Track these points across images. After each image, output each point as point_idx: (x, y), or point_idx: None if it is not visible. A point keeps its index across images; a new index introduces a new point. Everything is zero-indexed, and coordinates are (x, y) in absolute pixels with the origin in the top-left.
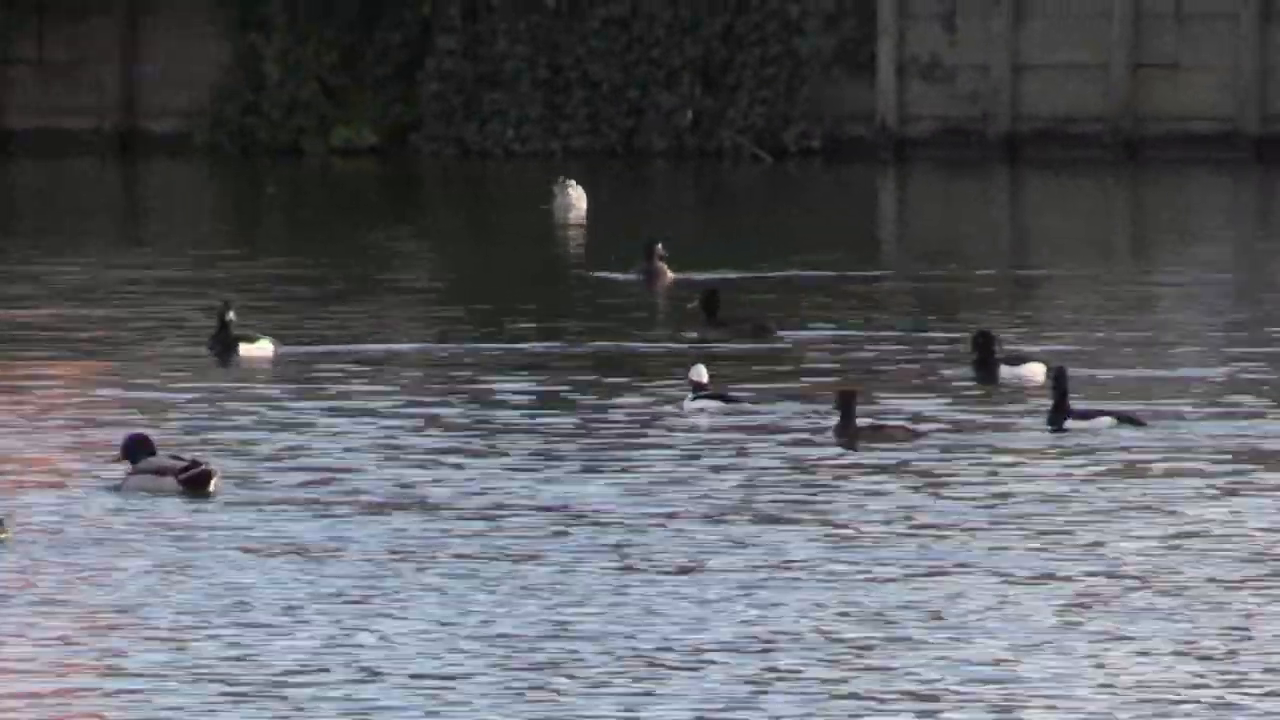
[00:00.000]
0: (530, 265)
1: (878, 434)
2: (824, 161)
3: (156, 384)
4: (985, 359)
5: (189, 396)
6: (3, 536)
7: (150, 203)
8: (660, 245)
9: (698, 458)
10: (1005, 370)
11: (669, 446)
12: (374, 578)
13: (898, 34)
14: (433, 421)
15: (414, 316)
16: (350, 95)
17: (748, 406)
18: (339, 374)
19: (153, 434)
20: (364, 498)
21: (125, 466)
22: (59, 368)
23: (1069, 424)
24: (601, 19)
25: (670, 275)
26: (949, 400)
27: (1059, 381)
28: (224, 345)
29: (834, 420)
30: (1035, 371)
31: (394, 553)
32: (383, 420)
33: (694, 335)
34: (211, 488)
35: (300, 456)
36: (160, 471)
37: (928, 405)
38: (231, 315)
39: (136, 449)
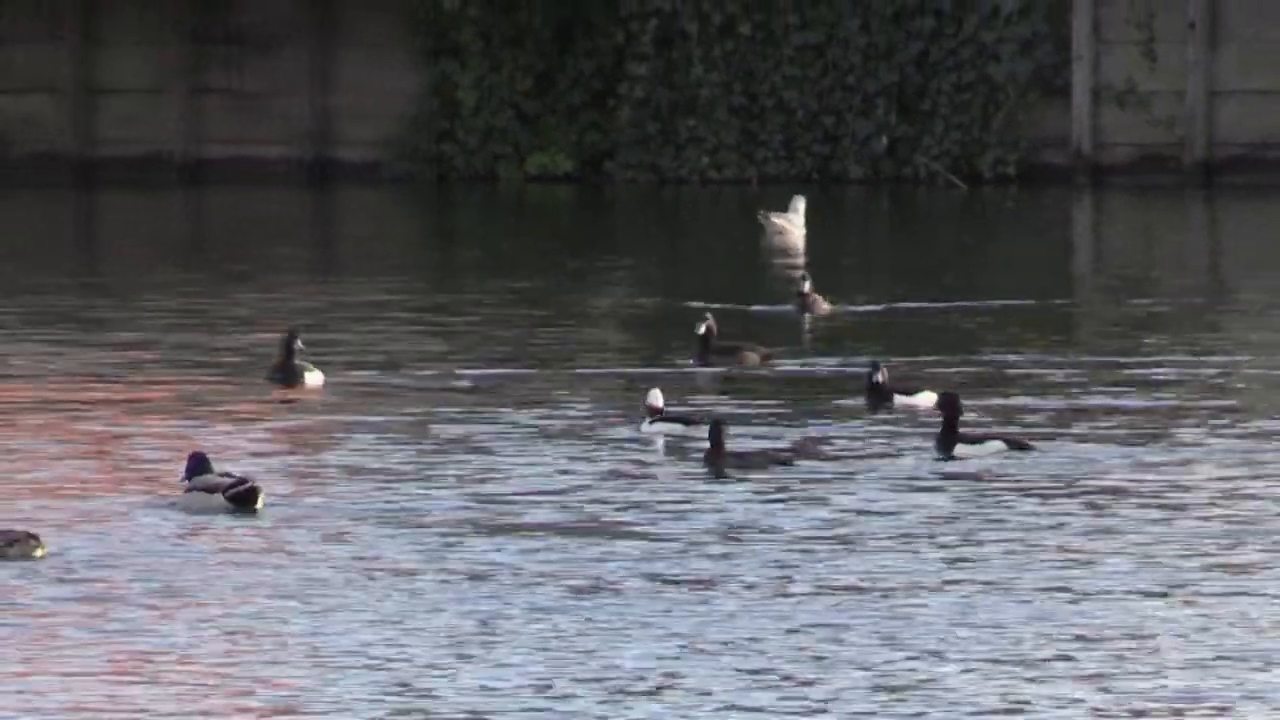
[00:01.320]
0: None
1: (744, 461)
2: (1019, 188)
3: (342, 407)
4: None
5: (379, 419)
6: (38, 553)
7: (344, 231)
8: (808, 281)
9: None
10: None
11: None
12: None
13: (1093, 60)
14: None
15: (613, 341)
16: (545, 122)
17: (704, 430)
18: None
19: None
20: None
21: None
22: (235, 390)
23: (959, 449)
24: (797, 45)
25: (826, 305)
26: (852, 428)
27: (949, 407)
28: (287, 374)
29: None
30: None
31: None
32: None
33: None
34: (259, 504)
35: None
36: (210, 489)
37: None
38: (299, 344)
39: (196, 467)
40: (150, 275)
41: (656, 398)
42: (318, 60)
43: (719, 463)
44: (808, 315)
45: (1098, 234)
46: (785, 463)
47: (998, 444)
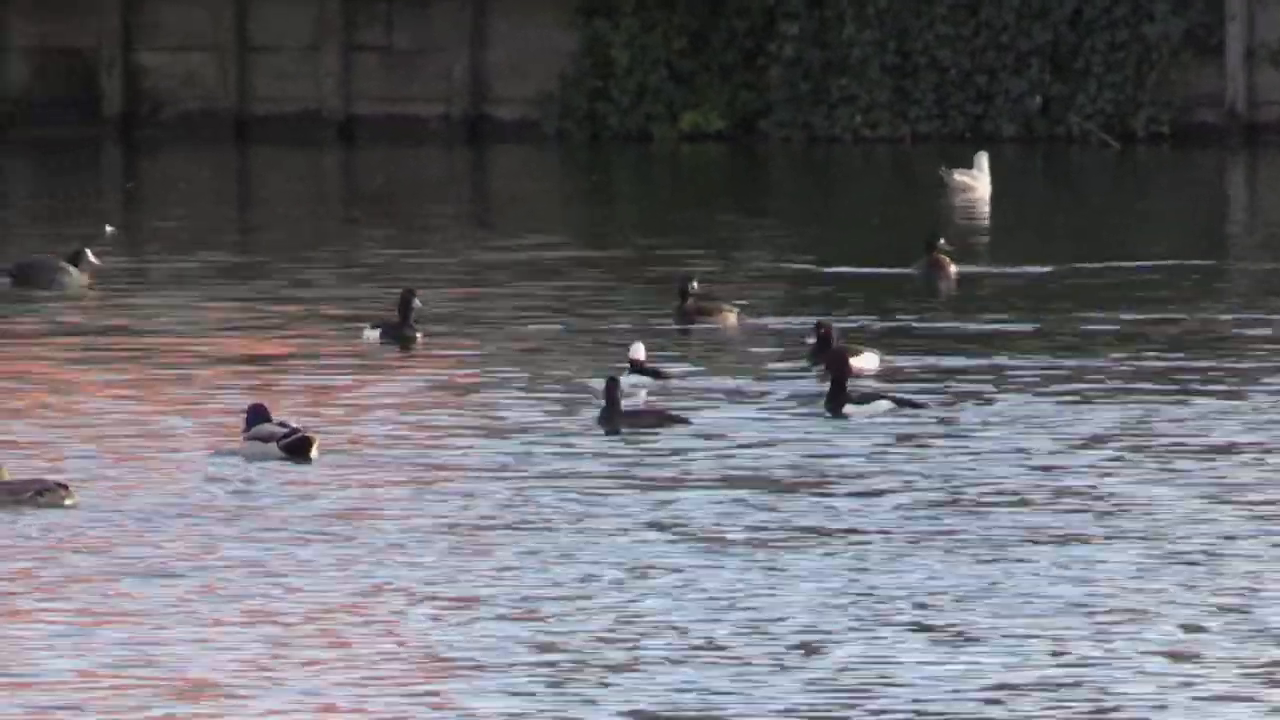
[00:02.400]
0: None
1: (638, 419)
2: (1172, 147)
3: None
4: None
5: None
6: (68, 502)
7: (497, 189)
8: (942, 240)
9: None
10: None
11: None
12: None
13: (1247, 18)
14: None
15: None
16: (698, 81)
17: (676, 383)
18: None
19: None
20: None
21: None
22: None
23: (848, 409)
24: (950, 4)
25: (953, 268)
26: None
27: (839, 368)
28: (399, 334)
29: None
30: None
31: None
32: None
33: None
34: (313, 454)
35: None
36: (266, 438)
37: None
38: (419, 303)
39: (254, 417)
40: (305, 231)
41: (639, 350)
42: (472, 17)
43: (614, 420)
44: (939, 280)
45: (1252, 192)
46: (680, 420)
47: (885, 403)
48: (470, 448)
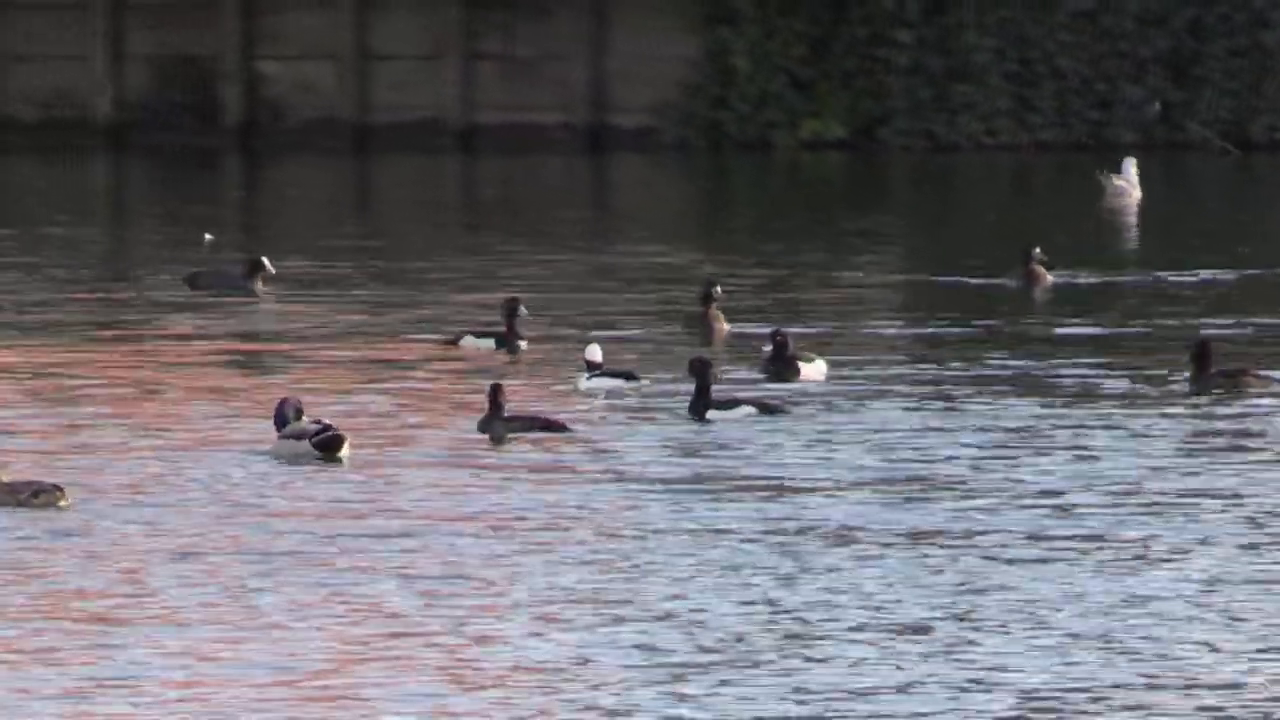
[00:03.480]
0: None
1: (529, 424)
2: None
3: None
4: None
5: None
6: (62, 504)
7: (618, 197)
8: (1038, 249)
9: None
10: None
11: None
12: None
13: None
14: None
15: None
16: (818, 89)
17: (643, 385)
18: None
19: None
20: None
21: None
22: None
23: (711, 414)
24: (1070, 12)
25: (1049, 278)
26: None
27: (701, 374)
28: (505, 342)
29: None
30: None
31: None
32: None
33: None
34: (344, 452)
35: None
36: (299, 436)
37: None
38: (523, 310)
39: (283, 413)
40: (425, 239)
41: (595, 353)
42: (593, 25)
43: (495, 425)
44: (1033, 289)
45: None
46: (561, 427)
47: (748, 408)
48: (568, 452)
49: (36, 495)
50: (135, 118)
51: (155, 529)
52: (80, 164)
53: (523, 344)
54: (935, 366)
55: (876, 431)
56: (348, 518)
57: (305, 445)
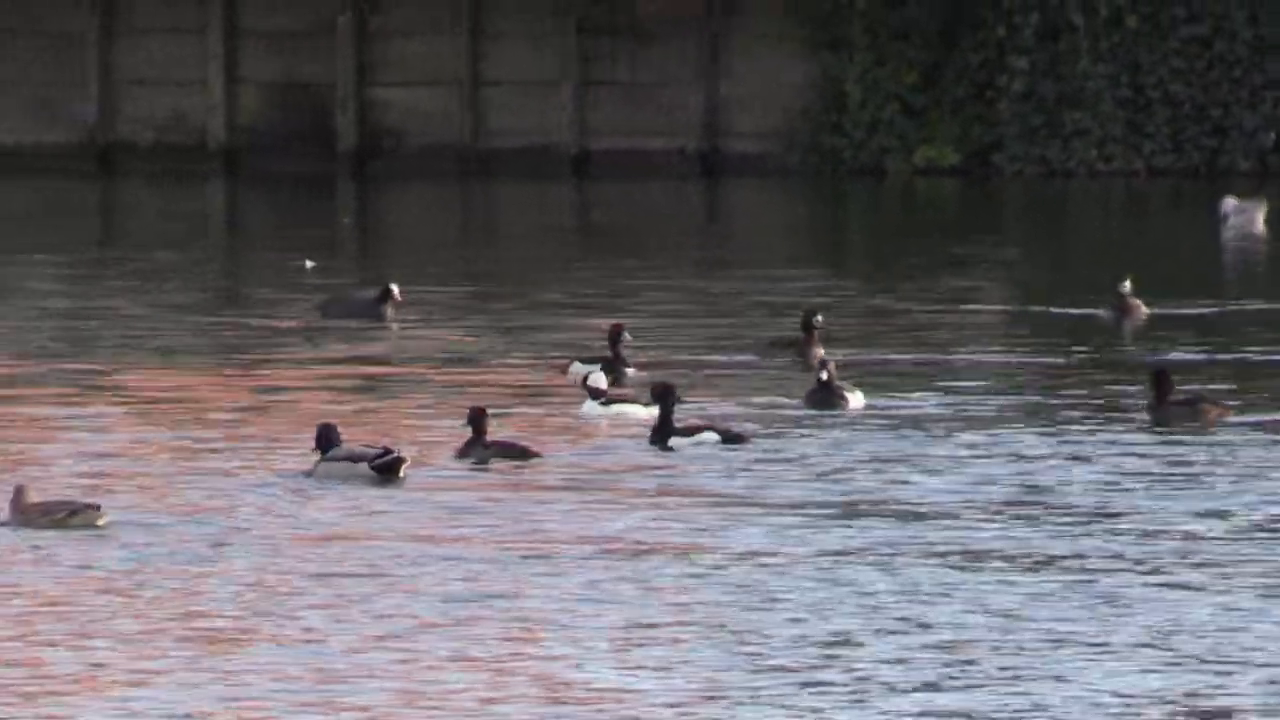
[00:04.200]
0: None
1: (508, 451)
2: None
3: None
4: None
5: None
6: (100, 522)
7: (731, 222)
8: (1127, 283)
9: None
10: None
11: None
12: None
13: None
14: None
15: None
16: (931, 115)
17: (642, 413)
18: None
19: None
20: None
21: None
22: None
23: (673, 441)
24: (1183, 38)
25: (1144, 310)
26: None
27: (664, 400)
28: (611, 369)
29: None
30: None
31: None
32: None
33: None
34: (401, 474)
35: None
36: (354, 459)
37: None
38: (628, 336)
39: (327, 438)
40: (538, 264)
41: (600, 380)
42: (706, 52)
43: (476, 450)
44: (1126, 320)
45: None
46: (536, 455)
47: (711, 435)
48: (657, 472)
49: (73, 514)
50: (249, 143)
51: (267, 549)
52: (194, 189)
53: (629, 370)
54: (1034, 393)
55: (984, 454)
56: (444, 541)
57: (363, 468)
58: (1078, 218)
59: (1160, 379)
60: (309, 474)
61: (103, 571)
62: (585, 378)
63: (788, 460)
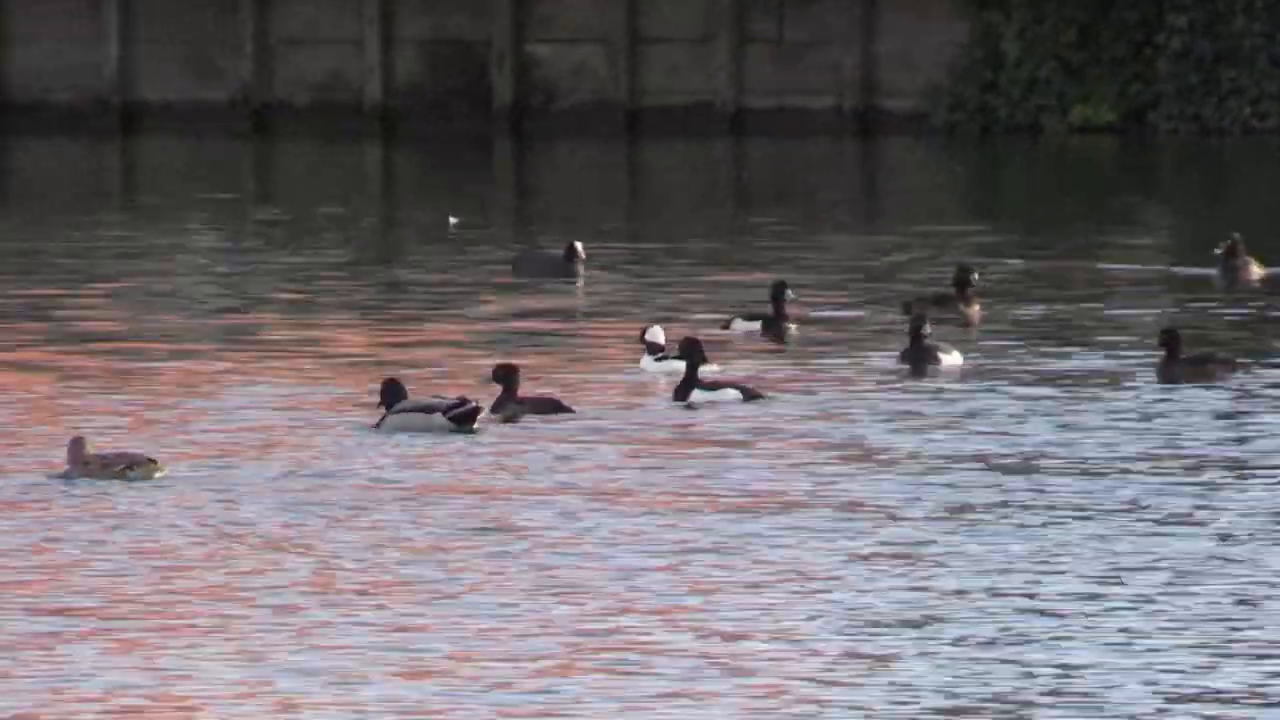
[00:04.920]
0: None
1: (540, 406)
2: None
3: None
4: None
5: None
6: (158, 475)
7: (888, 180)
8: (1231, 240)
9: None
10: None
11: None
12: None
13: None
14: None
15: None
16: (1088, 73)
17: (706, 371)
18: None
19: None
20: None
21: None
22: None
23: (695, 396)
24: None
25: (1259, 270)
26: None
27: (690, 356)
28: (773, 326)
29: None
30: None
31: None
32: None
33: None
34: (477, 424)
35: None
36: (428, 410)
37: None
38: (790, 294)
39: (392, 393)
40: (694, 222)
41: (658, 334)
42: (863, 10)
43: (507, 405)
44: (1239, 281)
45: None
46: (568, 409)
47: (733, 392)
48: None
49: (131, 468)
50: (406, 103)
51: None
52: (349, 148)
53: (791, 327)
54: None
55: (1123, 414)
56: (586, 494)
57: (438, 418)
58: (1232, 176)
59: (1170, 339)
60: (376, 427)
61: (242, 526)
62: (643, 332)
63: (915, 414)
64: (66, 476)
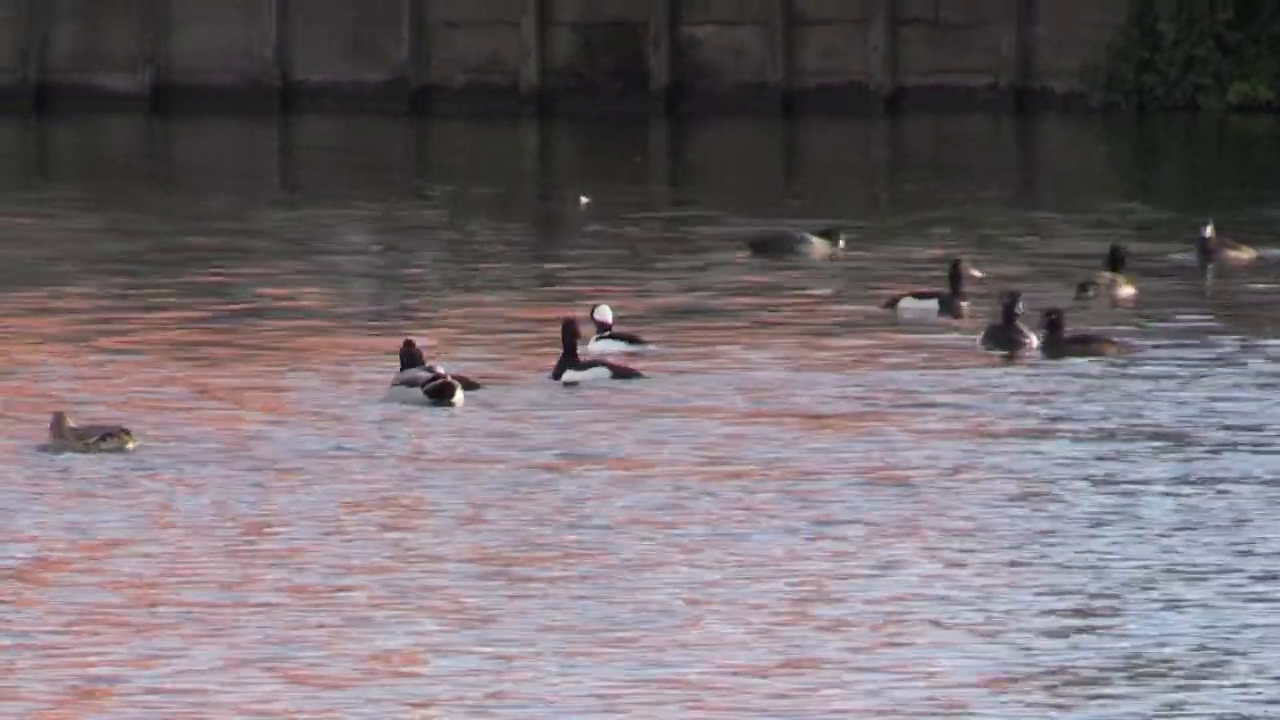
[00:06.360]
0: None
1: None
2: None
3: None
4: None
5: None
6: (129, 446)
7: (1047, 159)
8: (1209, 226)
9: None
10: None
11: None
12: None
13: None
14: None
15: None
16: (1246, 52)
17: (650, 349)
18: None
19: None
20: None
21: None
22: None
23: (567, 374)
24: None
25: (1236, 255)
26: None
27: (567, 335)
28: (949, 304)
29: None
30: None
31: None
32: None
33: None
34: (455, 399)
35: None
36: (411, 382)
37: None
38: (976, 272)
39: (406, 358)
40: (853, 203)
41: (605, 313)
42: None
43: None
44: (1210, 265)
45: None
46: (635, 374)
47: (603, 370)
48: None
49: (105, 439)
50: (562, 84)
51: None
52: (506, 130)
53: (964, 305)
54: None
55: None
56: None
57: (417, 393)
58: None
59: (1053, 319)
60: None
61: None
62: (593, 311)
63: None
64: (49, 449)
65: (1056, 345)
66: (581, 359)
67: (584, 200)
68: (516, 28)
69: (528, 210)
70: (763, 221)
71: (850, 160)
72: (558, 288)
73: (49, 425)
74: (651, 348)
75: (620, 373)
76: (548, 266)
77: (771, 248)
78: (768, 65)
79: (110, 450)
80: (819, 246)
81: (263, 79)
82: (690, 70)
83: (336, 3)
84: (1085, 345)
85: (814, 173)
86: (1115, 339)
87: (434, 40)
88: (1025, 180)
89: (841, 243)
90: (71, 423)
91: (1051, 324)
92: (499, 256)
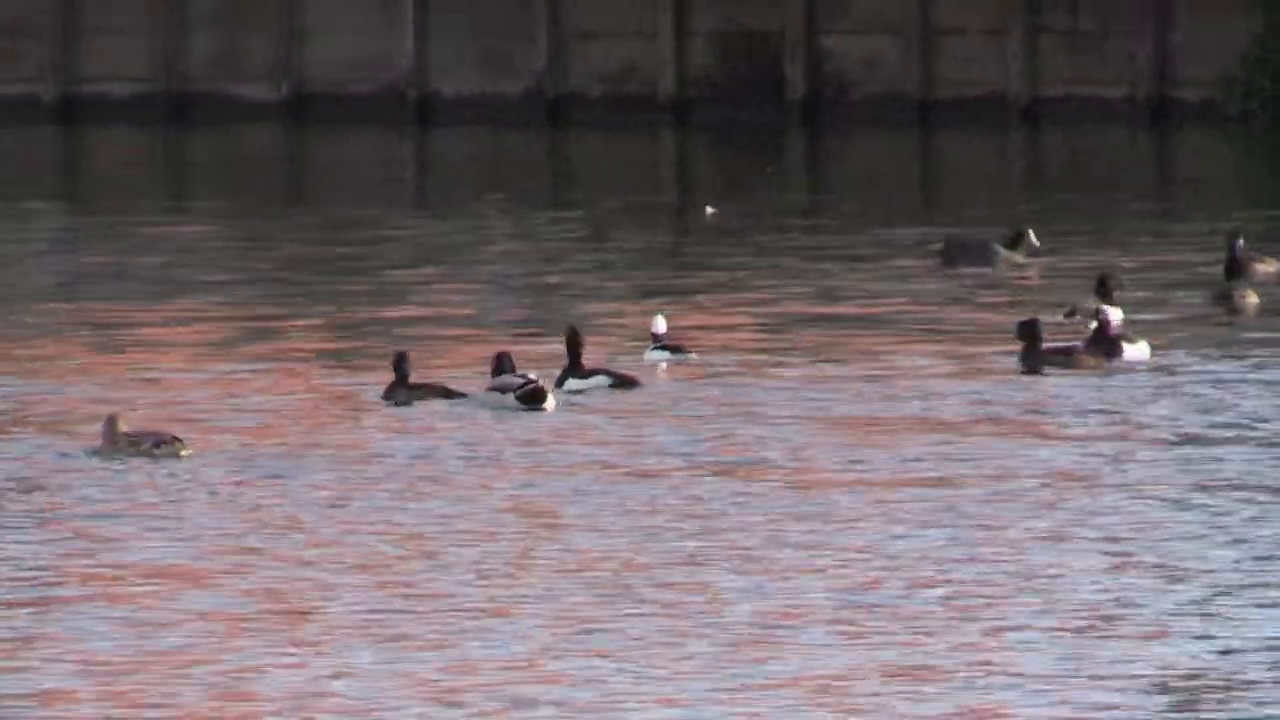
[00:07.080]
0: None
1: (430, 391)
2: None
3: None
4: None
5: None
6: (183, 453)
7: (1184, 169)
8: (1240, 239)
9: None
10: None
11: None
12: None
13: None
14: None
15: None
16: None
17: (694, 359)
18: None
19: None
20: None
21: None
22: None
23: (570, 383)
24: None
25: (1265, 268)
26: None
27: (571, 346)
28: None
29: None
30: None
31: None
32: None
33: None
34: (547, 405)
35: None
36: (504, 389)
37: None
38: (1124, 280)
39: (498, 366)
40: (989, 214)
41: (660, 324)
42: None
43: (397, 394)
44: (1240, 279)
45: None
46: (634, 383)
47: (603, 379)
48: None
49: (158, 446)
50: (699, 94)
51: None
52: (643, 140)
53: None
54: None
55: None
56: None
57: (509, 398)
58: None
59: (1029, 330)
60: (480, 402)
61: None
62: (653, 322)
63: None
64: (100, 453)
65: (1035, 357)
66: (582, 370)
67: (710, 210)
68: (653, 38)
69: (660, 220)
70: (895, 233)
71: (985, 173)
72: (688, 299)
73: (101, 429)
74: (693, 357)
75: (620, 381)
76: (674, 276)
77: (961, 258)
78: (904, 75)
79: (164, 457)
80: (1004, 255)
81: (400, 90)
82: (827, 80)
83: (474, 14)
84: (1066, 355)
85: (952, 184)
86: (1090, 352)
87: (570, 51)
88: (1160, 190)
89: (1034, 239)
90: (124, 427)
91: (1029, 335)
92: (629, 265)
